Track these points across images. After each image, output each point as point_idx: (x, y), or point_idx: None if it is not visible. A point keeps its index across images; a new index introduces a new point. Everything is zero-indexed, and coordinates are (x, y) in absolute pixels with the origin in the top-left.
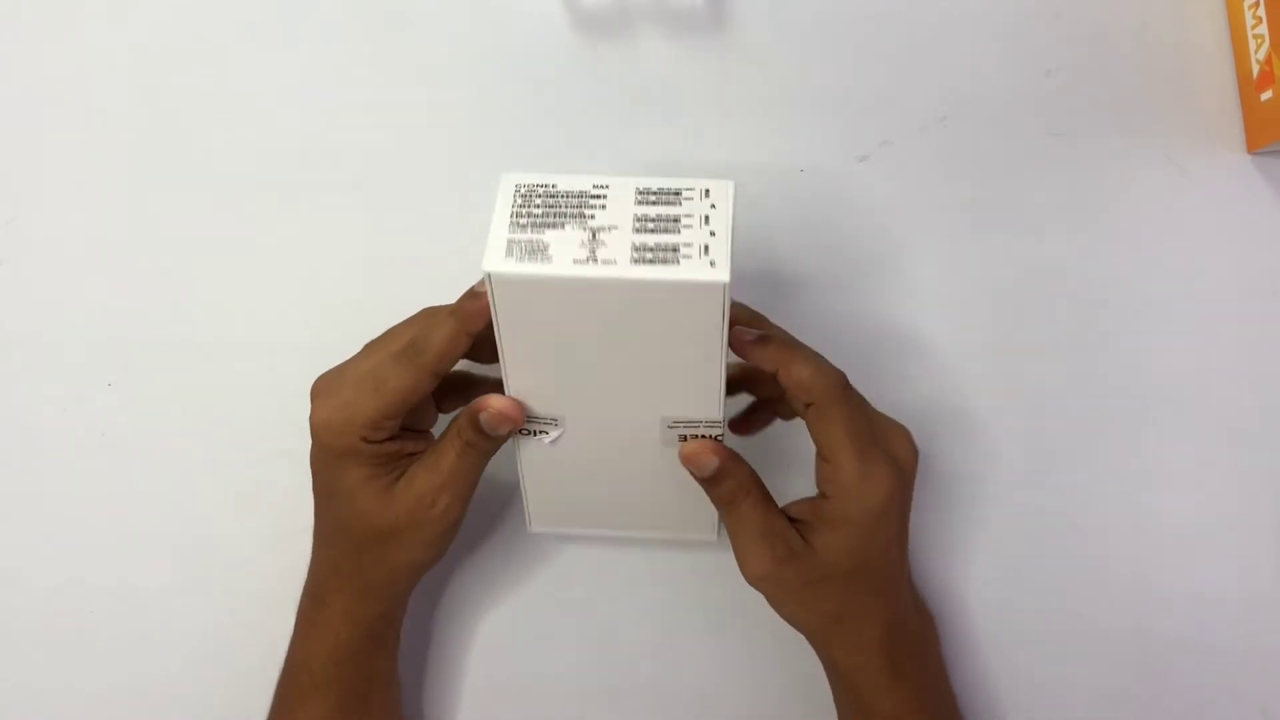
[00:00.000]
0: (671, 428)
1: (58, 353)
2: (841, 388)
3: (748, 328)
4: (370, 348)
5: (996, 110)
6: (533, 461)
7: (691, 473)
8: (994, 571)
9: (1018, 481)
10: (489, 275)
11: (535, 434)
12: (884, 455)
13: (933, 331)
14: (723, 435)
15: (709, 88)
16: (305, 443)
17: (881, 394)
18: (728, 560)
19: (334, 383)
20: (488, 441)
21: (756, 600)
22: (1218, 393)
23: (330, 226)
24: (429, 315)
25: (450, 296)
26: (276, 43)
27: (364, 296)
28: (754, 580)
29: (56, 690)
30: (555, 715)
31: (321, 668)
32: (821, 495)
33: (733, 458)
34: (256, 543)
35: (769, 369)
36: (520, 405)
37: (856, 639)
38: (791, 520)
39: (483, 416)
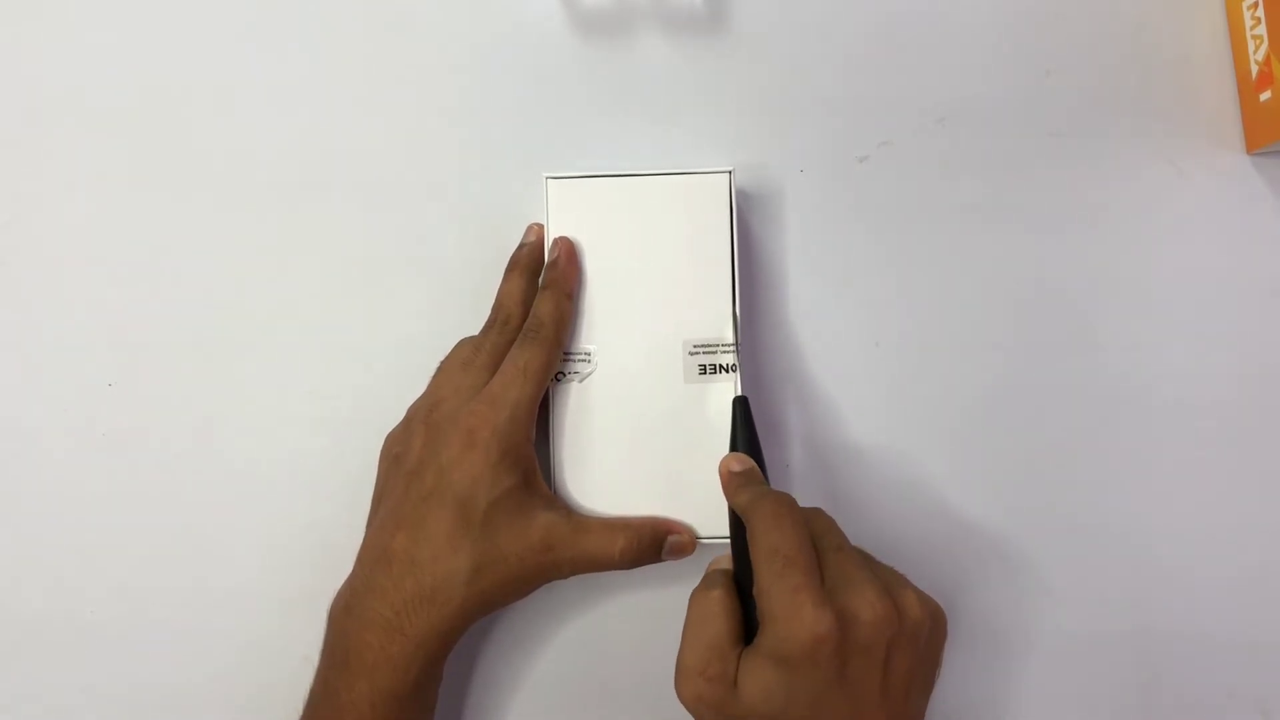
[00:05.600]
0: (692, 354)
1: (58, 353)
2: (770, 508)
3: (738, 458)
4: (459, 368)
5: (996, 111)
6: (561, 433)
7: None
8: (992, 571)
9: (1016, 481)
10: (546, 180)
11: (568, 375)
12: (824, 597)
13: (931, 332)
14: (737, 366)
15: (709, 88)
16: (305, 443)
17: (880, 395)
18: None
19: (463, 397)
20: (650, 558)
21: None
22: (1217, 392)
23: (330, 226)
24: (483, 338)
25: (450, 295)
26: (276, 43)
27: (364, 296)
28: (682, 699)
29: (55, 690)
30: (553, 715)
31: (383, 703)
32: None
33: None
34: (256, 544)
35: (728, 499)
36: (694, 543)
37: None
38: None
39: (673, 538)
